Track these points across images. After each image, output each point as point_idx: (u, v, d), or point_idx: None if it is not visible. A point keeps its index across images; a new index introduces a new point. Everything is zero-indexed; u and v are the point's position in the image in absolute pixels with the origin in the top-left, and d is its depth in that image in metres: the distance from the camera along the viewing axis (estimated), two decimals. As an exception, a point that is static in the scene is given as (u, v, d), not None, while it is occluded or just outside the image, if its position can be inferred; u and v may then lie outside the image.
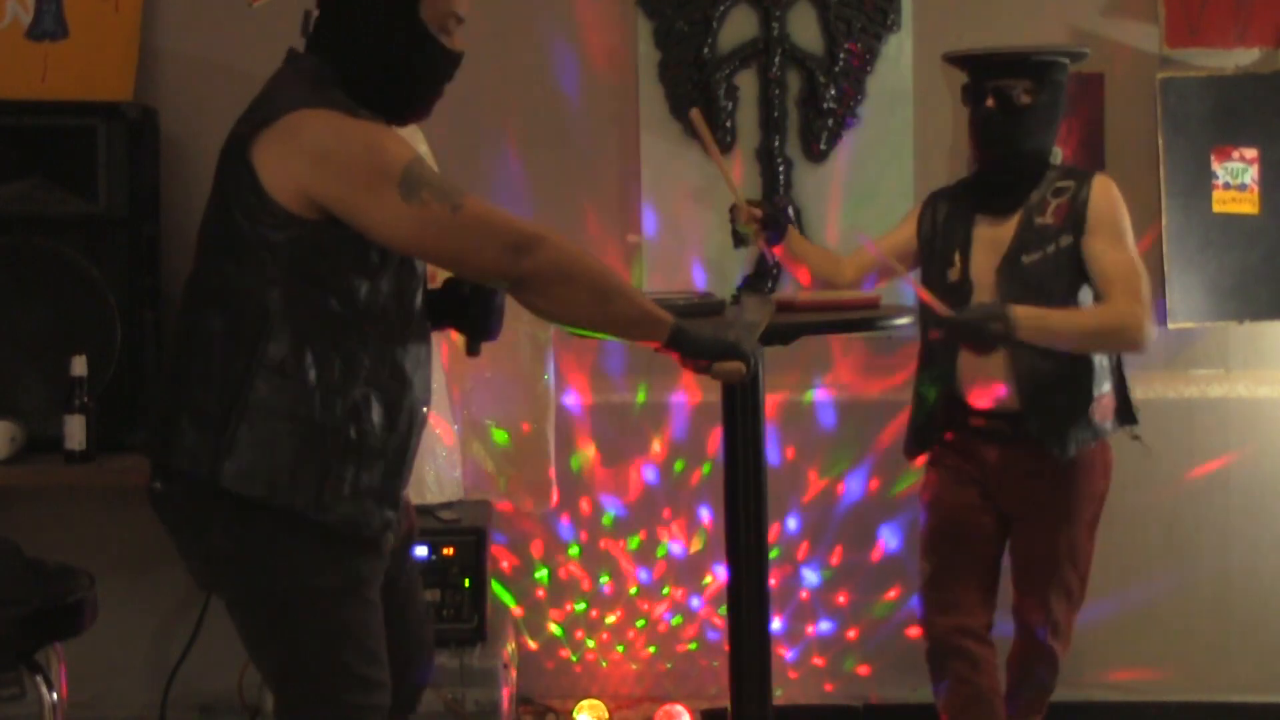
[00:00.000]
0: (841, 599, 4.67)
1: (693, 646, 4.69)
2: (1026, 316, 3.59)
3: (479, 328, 2.82)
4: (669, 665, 4.69)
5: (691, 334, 2.70)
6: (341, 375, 2.57)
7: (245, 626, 2.68)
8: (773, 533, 4.48)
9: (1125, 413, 3.85)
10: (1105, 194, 3.74)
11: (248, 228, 2.52)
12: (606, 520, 4.66)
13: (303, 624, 2.61)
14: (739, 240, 3.89)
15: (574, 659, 4.69)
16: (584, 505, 4.65)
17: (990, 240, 3.78)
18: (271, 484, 2.54)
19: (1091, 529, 3.85)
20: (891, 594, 4.64)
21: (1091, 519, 3.85)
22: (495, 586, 4.52)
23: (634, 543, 4.67)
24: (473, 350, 2.88)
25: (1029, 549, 3.83)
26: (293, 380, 2.54)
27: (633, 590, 4.67)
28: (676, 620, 4.68)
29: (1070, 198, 3.73)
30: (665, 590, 4.68)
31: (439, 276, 2.86)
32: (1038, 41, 4.27)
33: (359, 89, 2.61)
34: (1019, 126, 3.72)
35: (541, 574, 4.67)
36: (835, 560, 4.66)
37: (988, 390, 3.76)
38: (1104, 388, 3.77)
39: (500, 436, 4.48)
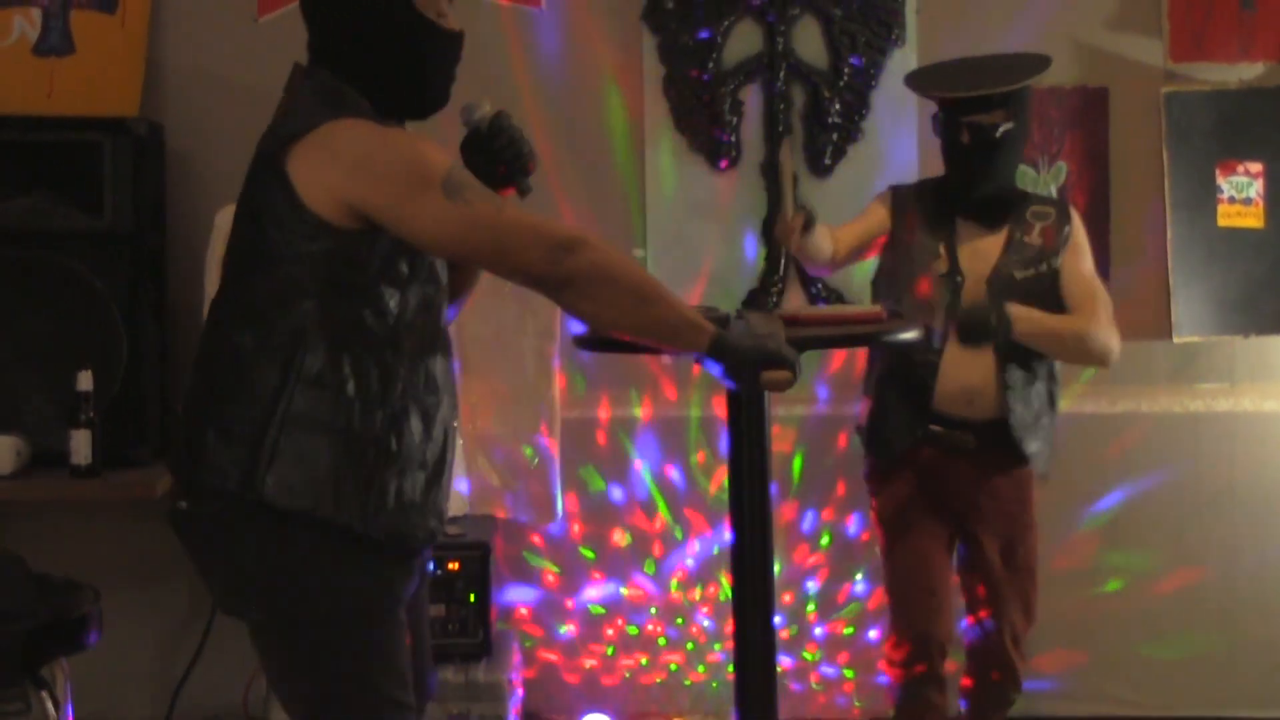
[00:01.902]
0: (845, 612, 4.67)
1: (700, 663, 4.68)
2: (1022, 313, 3.68)
3: (517, 160, 2.76)
4: (675, 680, 4.68)
5: (734, 343, 2.60)
6: (380, 386, 2.55)
7: (273, 651, 2.63)
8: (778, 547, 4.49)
9: None
10: (1081, 224, 3.88)
11: (281, 241, 2.51)
12: (612, 534, 4.65)
13: (334, 646, 2.57)
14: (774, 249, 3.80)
15: (580, 674, 4.68)
16: (589, 519, 4.65)
17: (972, 248, 3.80)
18: (316, 497, 2.51)
19: (1037, 540, 3.92)
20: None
21: (1036, 530, 3.91)
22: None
23: (641, 557, 4.66)
24: (523, 189, 2.80)
25: (991, 562, 3.84)
26: (331, 392, 2.52)
27: (639, 605, 4.67)
28: (683, 635, 4.68)
29: (1054, 223, 3.82)
30: (673, 604, 4.67)
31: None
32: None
33: (375, 91, 2.62)
34: (996, 157, 3.75)
35: (547, 587, 4.66)
36: (839, 572, 4.66)
37: (972, 390, 3.75)
38: (1054, 415, 3.85)
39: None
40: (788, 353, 2.62)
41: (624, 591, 4.67)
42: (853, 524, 4.62)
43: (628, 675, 4.68)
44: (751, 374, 2.62)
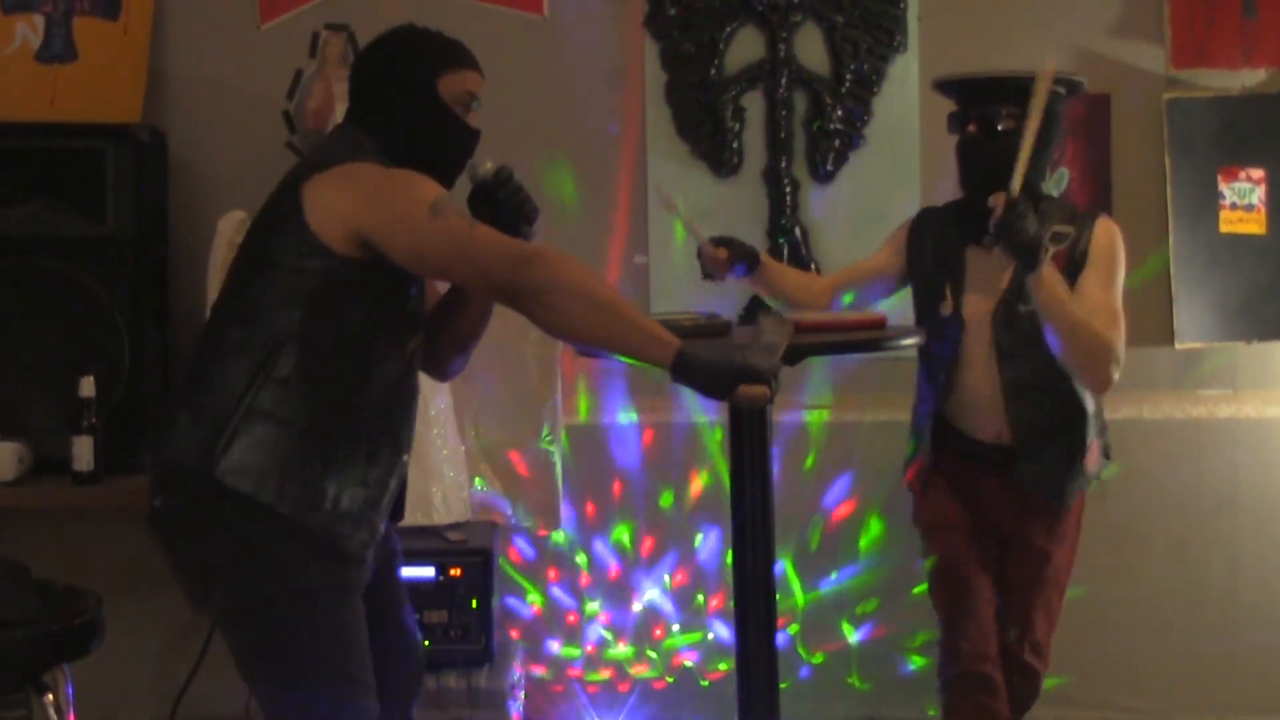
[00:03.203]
0: (846, 616, 4.67)
1: (705, 669, 4.68)
2: (1050, 277, 3.51)
3: (520, 209, 3.00)
4: (677, 686, 4.68)
5: (699, 358, 2.67)
6: (339, 399, 2.77)
7: (235, 635, 2.80)
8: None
9: (1105, 454, 3.88)
10: (1106, 235, 3.69)
11: (280, 254, 2.75)
12: (614, 541, 4.65)
13: (294, 625, 2.74)
14: (707, 275, 3.80)
15: (583, 681, 4.68)
16: (591, 527, 4.65)
17: (984, 277, 3.71)
18: (260, 482, 2.71)
19: (1074, 552, 3.88)
20: (895, 614, 4.63)
21: (1074, 543, 3.87)
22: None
23: (645, 564, 4.66)
24: (526, 236, 3.00)
25: (1019, 571, 3.82)
26: (295, 393, 2.73)
27: (641, 610, 4.67)
28: (685, 640, 4.67)
29: (1070, 246, 3.66)
30: (673, 610, 4.67)
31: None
32: (1042, 63, 4.26)
33: (395, 159, 2.85)
34: (1001, 153, 3.58)
35: (549, 594, 4.66)
36: (839, 581, 4.66)
37: (983, 424, 3.74)
38: (1093, 436, 3.78)
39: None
40: (760, 365, 2.66)
41: (628, 597, 4.66)
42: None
43: (631, 681, 4.67)
44: (724, 391, 2.67)
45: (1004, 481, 3.76)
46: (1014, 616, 3.83)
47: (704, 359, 2.67)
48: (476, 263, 2.71)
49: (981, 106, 3.67)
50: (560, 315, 2.69)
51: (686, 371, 2.68)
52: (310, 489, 2.73)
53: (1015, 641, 3.82)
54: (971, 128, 3.69)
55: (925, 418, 3.85)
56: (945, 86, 3.82)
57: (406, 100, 2.89)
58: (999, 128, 3.64)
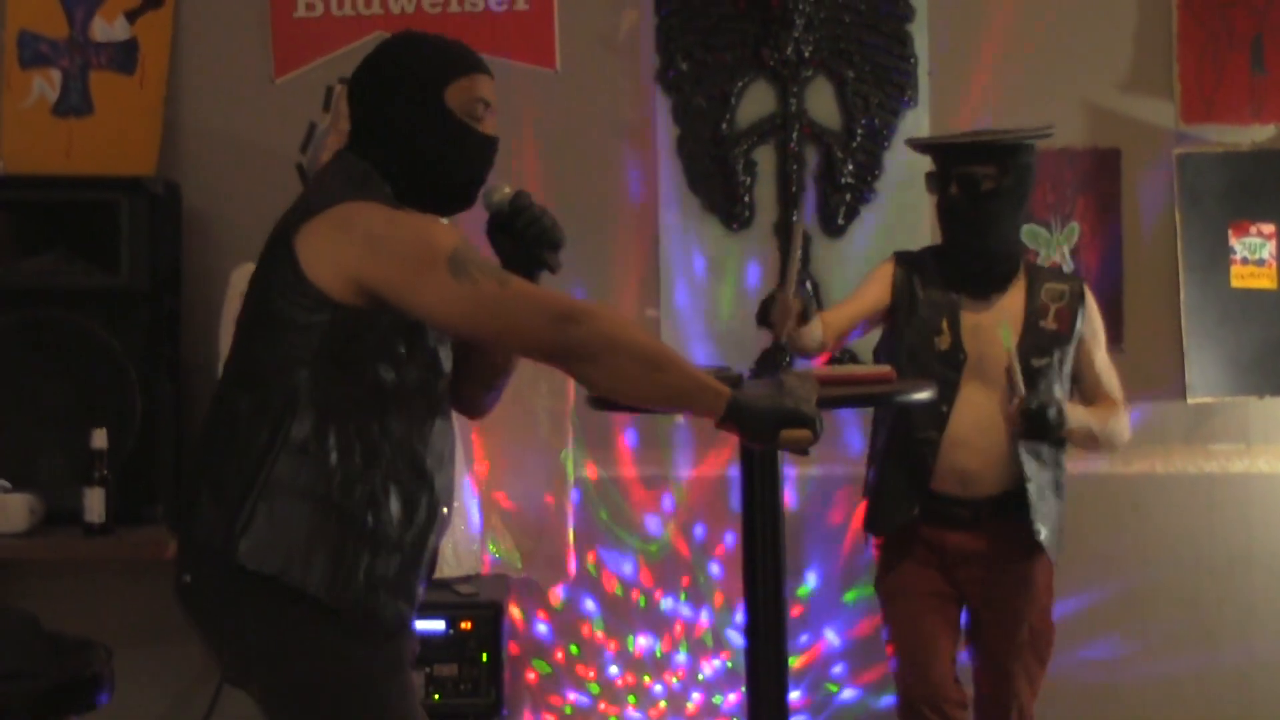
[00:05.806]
0: (840, 668, 4.65)
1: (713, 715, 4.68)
2: (1072, 415, 3.69)
3: (542, 237, 2.78)
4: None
5: (751, 404, 2.58)
6: (362, 460, 2.58)
7: (283, 718, 2.64)
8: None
9: None
10: (1094, 304, 3.87)
11: (283, 309, 2.56)
12: (622, 592, 4.64)
13: (344, 709, 2.58)
14: (765, 324, 3.63)
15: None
16: (601, 577, 4.64)
17: (974, 323, 3.76)
18: (286, 561, 2.54)
19: (1050, 619, 3.86)
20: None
21: (1049, 607, 3.86)
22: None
23: (654, 616, 4.65)
24: (553, 265, 2.80)
25: (997, 635, 3.80)
26: (313, 460, 2.55)
27: (650, 661, 4.65)
28: (696, 692, 4.66)
29: (1068, 305, 3.79)
30: (683, 661, 4.65)
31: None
32: (1052, 119, 4.28)
33: (401, 184, 2.67)
34: (984, 212, 3.71)
35: (560, 646, 4.65)
36: (839, 630, 4.65)
37: (972, 469, 3.73)
38: (1062, 501, 3.82)
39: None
40: (807, 410, 2.61)
41: (638, 648, 4.65)
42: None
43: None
44: (770, 435, 2.60)
45: (971, 542, 3.76)
46: (997, 682, 3.81)
47: (753, 405, 2.59)
48: (515, 326, 2.52)
49: (964, 169, 3.71)
50: (615, 374, 2.54)
51: (737, 417, 2.59)
52: (341, 563, 2.55)
53: (1000, 709, 3.80)
54: (954, 189, 3.73)
55: (891, 474, 3.83)
56: (924, 146, 3.87)
57: (411, 118, 2.66)
58: (983, 189, 3.69)
